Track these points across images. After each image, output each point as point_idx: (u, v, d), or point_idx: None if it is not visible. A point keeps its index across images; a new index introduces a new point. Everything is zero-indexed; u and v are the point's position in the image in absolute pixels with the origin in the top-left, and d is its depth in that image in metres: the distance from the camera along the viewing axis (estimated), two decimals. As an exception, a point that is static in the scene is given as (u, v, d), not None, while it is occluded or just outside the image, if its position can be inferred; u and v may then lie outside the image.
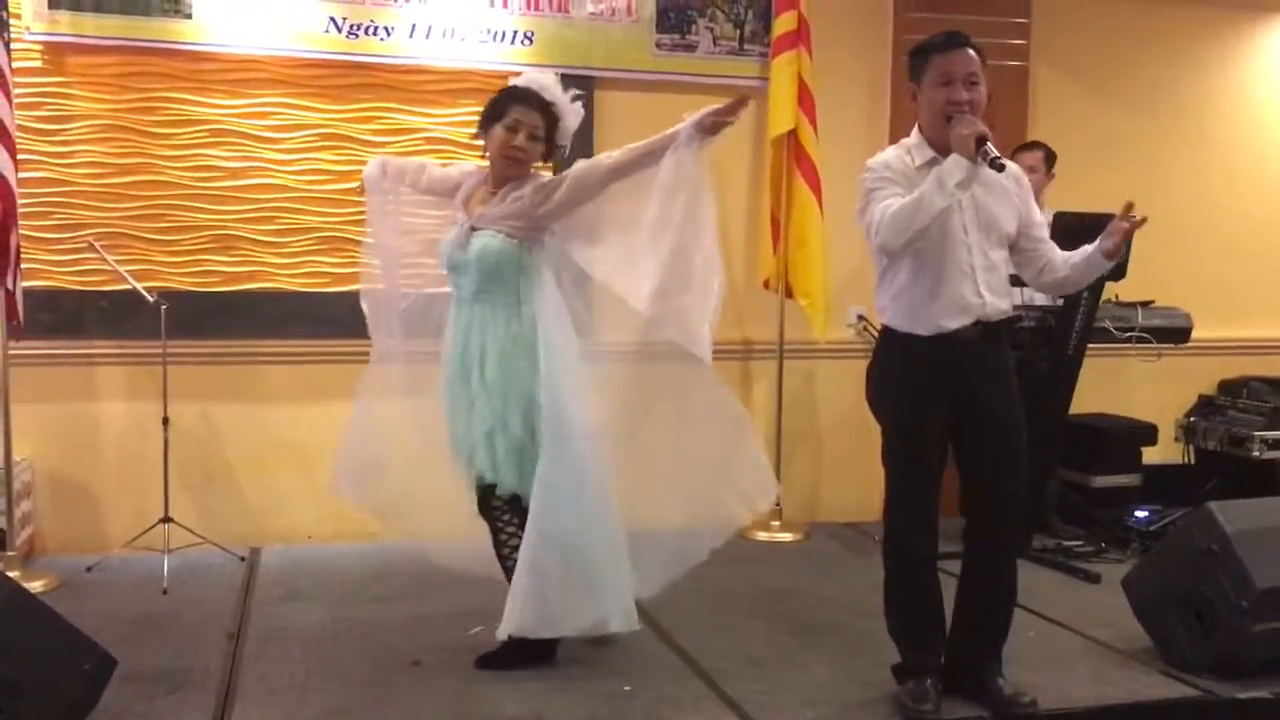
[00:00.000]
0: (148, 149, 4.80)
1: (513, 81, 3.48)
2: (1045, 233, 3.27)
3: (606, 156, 3.34)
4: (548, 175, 3.49)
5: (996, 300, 3.06)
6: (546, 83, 3.46)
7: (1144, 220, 3.05)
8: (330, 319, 4.70)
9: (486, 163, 3.47)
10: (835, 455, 5.64)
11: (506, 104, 3.38)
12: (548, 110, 3.40)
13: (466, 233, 3.40)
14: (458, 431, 3.38)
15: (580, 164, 3.37)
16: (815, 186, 5.12)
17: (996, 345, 3.11)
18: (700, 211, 3.16)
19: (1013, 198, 3.13)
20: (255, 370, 4.90)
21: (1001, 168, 2.90)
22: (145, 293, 4.44)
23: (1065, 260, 3.19)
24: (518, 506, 3.34)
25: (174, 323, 4.49)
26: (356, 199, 4.26)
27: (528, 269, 3.35)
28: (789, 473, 5.42)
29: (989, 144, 2.85)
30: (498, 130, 3.35)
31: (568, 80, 4.78)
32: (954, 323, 3.04)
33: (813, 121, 5.14)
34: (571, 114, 3.48)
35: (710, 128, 3.17)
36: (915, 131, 3.12)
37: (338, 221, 4.90)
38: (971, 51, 3.03)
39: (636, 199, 3.25)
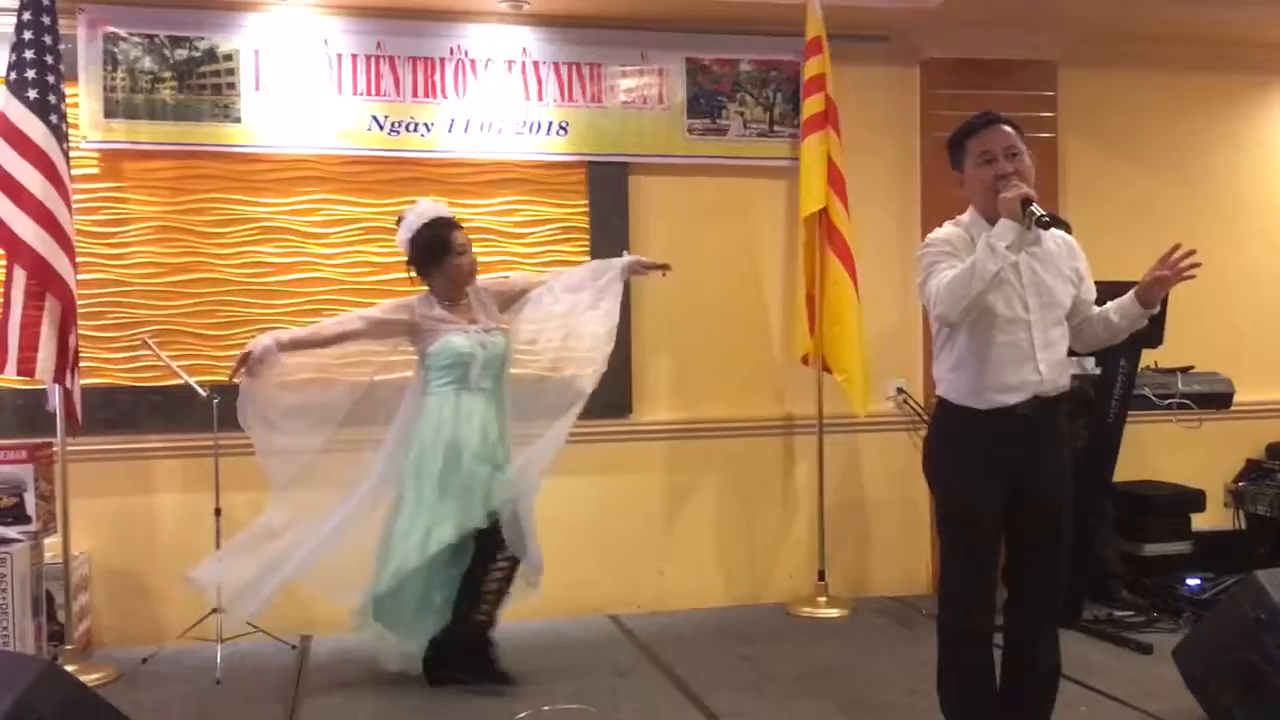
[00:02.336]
0: (200, 248, 4.93)
1: (421, 218, 4.17)
2: (1092, 300, 3.22)
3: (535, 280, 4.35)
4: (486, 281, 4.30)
5: (1055, 376, 3.05)
6: (433, 207, 4.25)
7: (1190, 267, 2.98)
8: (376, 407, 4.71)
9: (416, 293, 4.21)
10: (881, 529, 5.60)
11: (448, 234, 4.14)
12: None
13: (478, 333, 4.09)
14: (473, 502, 3.95)
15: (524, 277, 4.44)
16: (848, 263, 5.15)
17: (1052, 419, 3.08)
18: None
19: (1068, 273, 3.12)
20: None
21: (1047, 225, 2.85)
22: (198, 387, 4.51)
23: (1101, 316, 3.16)
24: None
25: (226, 415, 4.45)
26: (402, 289, 4.47)
27: None
28: (834, 547, 5.39)
29: (1035, 205, 2.84)
30: (451, 259, 4.12)
31: (602, 167, 5.01)
32: (1011, 399, 3.02)
33: (843, 199, 5.18)
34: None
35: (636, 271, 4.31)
36: (969, 210, 3.12)
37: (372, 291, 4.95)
38: (1007, 127, 3.04)
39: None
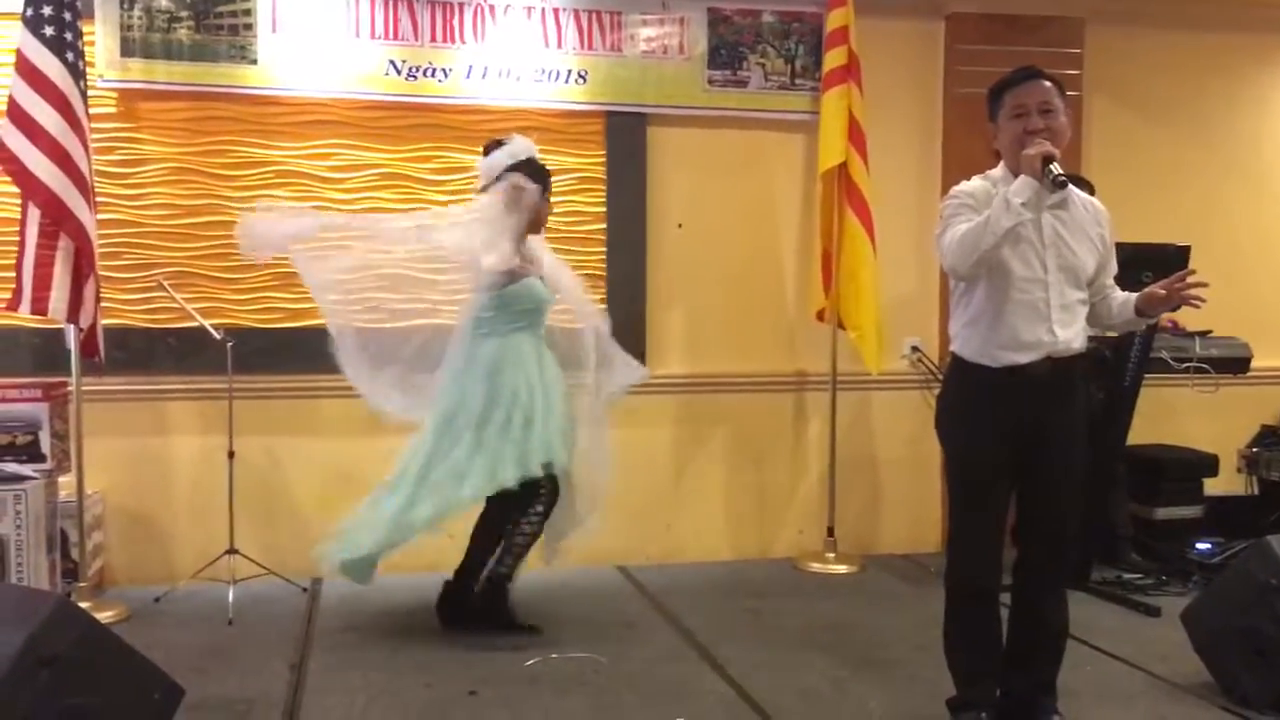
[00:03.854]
0: (215, 190, 4.92)
1: (529, 150, 4.22)
2: (1112, 277, 3.25)
3: None
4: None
5: (1069, 338, 3.05)
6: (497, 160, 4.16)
7: (1195, 297, 3.02)
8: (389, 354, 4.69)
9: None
10: (891, 486, 5.62)
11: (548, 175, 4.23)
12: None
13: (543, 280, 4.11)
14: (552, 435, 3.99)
15: None
16: (866, 220, 5.13)
17: (1066, 380, 3.08)
18: None
19: (1094, 239, 3.12)
20: (317, 404, 4.97)
21: (1064, 185, 2.85)
22: (212, 329, 4.54)
23: (1107, 301, 3.21)
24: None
25: (239, 358, 4.57)
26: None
27: None
28: (844, 504, 5.40)
29: (1054, 164, 2.84)
30: (546, 200, 4.23)
31: (620, 117, 5.09)
32: (1024, 357, 3.03)
33: (863, 155, 5.15)
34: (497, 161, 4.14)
35: None
36: (1000, 165, 3.12)
37: (397, 259, 4.73)
38: (1046, 83, 3.03)
39: None
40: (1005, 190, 2.89)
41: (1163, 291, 3.03)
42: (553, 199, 4.34)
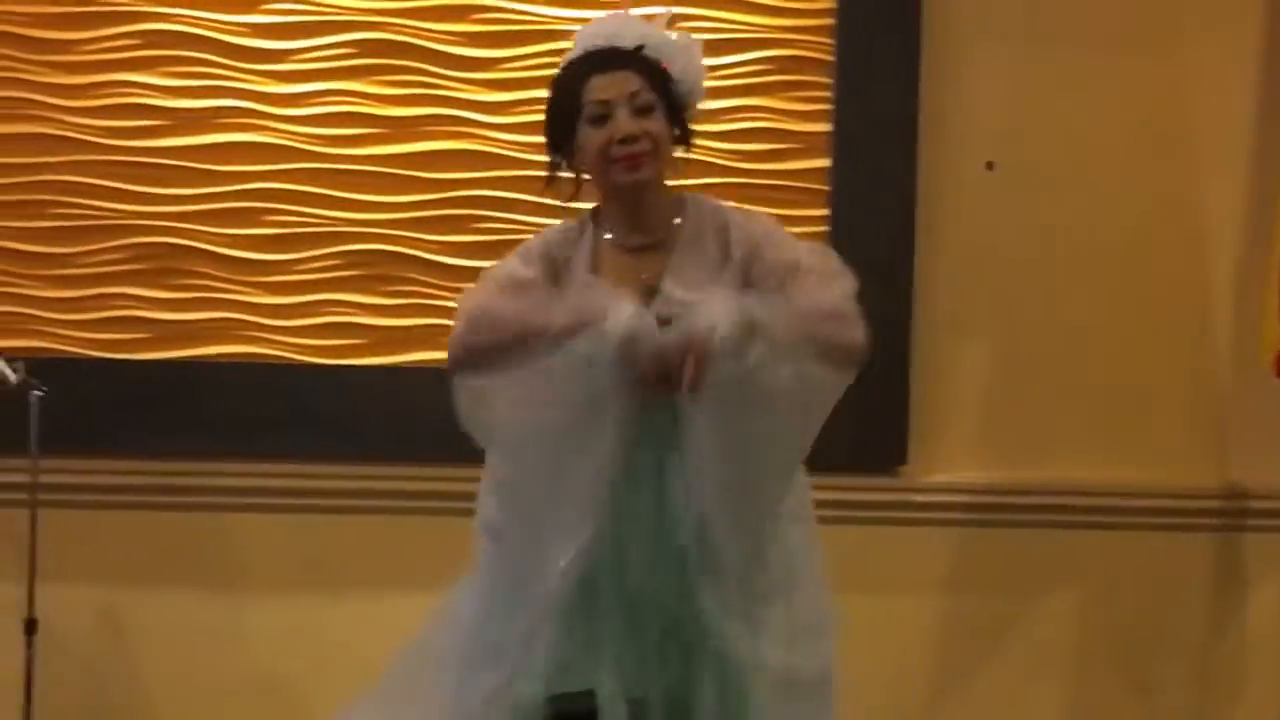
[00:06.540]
0: (24, 77, 4.33)
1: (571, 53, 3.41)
2: None
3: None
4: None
5: None
6: (618, 29, 3.26)
7: None
8: (366, 420, 4.20)
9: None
10: None
11: (577, 85, 3.22)
12: (643, 61, 3.20)
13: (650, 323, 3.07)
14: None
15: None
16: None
17: None
18: None
19: None
20: (213, 522, 4.39)
21: None
22: (4, 365, 4.03)
23: None
24: None
25: (56, 422, 3.99)
26: (425, 175, 4.24)
27: None
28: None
29: None
30: (586, 132, 3.16)
31: None
32: None
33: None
34: (682, 57, 3.27)
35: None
36: None
37: (392, 221, 4.35)
38: None
39: None
40: None
41: None
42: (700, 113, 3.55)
